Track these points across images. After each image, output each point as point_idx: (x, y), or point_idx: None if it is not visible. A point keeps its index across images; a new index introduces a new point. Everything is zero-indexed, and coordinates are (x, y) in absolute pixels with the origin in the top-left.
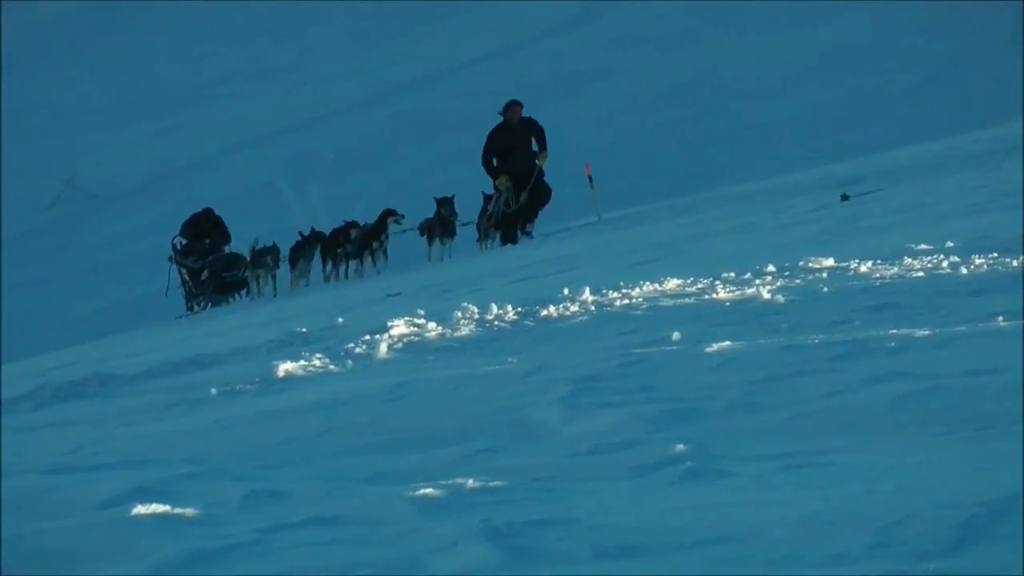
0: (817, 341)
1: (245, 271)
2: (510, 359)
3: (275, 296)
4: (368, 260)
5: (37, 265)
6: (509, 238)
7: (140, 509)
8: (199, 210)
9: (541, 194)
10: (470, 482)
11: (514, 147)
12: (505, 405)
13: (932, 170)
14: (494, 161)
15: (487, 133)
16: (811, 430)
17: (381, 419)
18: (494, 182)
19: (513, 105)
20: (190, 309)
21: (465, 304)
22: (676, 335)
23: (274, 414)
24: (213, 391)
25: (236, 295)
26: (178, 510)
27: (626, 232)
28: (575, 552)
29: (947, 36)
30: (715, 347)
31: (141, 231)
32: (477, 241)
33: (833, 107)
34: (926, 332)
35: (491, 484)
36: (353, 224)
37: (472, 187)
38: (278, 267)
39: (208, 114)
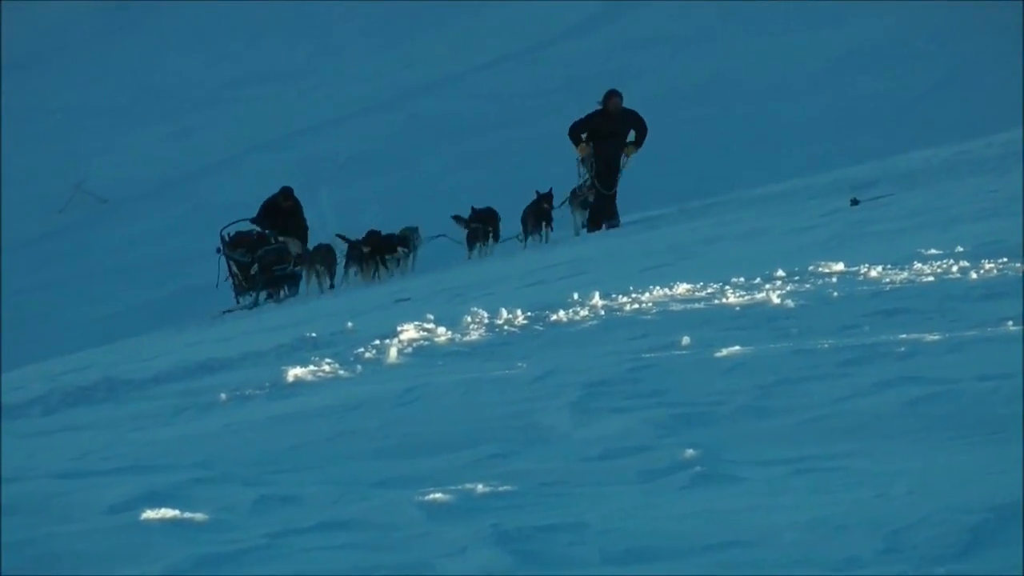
0: (827, 346)
1: (295, 265)
2: (520, 364)
3: (330, 290)
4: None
5: (49, 269)
6: (596, 225)
7: (150, 514)
8: (276, 191)
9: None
10: (480, 487)
11: (608, 134)
12: (515, 410)
13: (943, 174)
14: (583, 136)
15: (585, 114)
16: (821, 435)
17: (391, 424)
18: (577, 150)
19: (613, 95)
20: (239, 303)
21: (475, 308)
22: (686, 340)
23: (284, 419)
24: (223, 396)
25: (287, 289)
26: (188, 515)
27: (638, 236)
28: (585, 557)
29: (960, 40)
30: (725, 352)
31: (154, 235)
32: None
33: (846, 110)
34: (936, 337)
35: (501, 489)
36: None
37: (488, 190)
38: (335, 266)
39: (222, 117)
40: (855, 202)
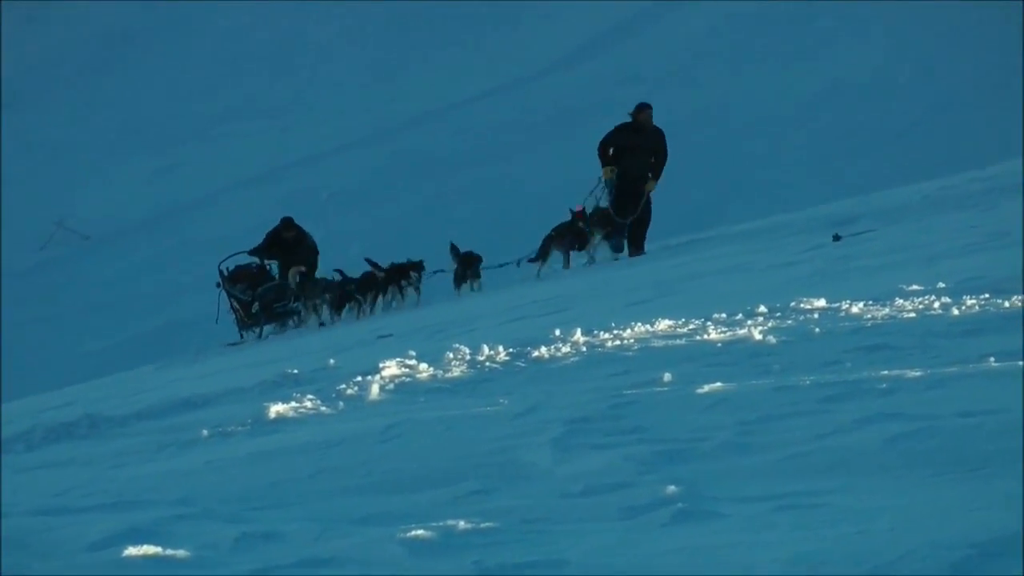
0: (809, 382)
1: (295, 301)
2: (501, 400)
3: (323, 325)
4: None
5: (32, 305)
6: (638, 248)
7: (132, 551)
8: (277, 223)
9: (645, 217)
10: (461, 523)
11: (633, 148)
12: (496, 446)
13: (926, 210)
14: (610, 152)
15: (611, 128)
16: (803, 471)
17: (372, 460)
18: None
19: (644, 108)
20: (243, 337)
21: (456, 345)
22: (667, 376)
23: (266, 455)
24: (204, 432)
25: (289, 322)
26: (170, 551)
27: (620, 272)
28: None
29: (942, 75)
30: (707, 388)
31: (137, 271)
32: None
33: (828, 146)
34: (918, 373)
35: (482, 525)
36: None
37: (473, 225)
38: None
39: (205, 152)
40: (837, 238)
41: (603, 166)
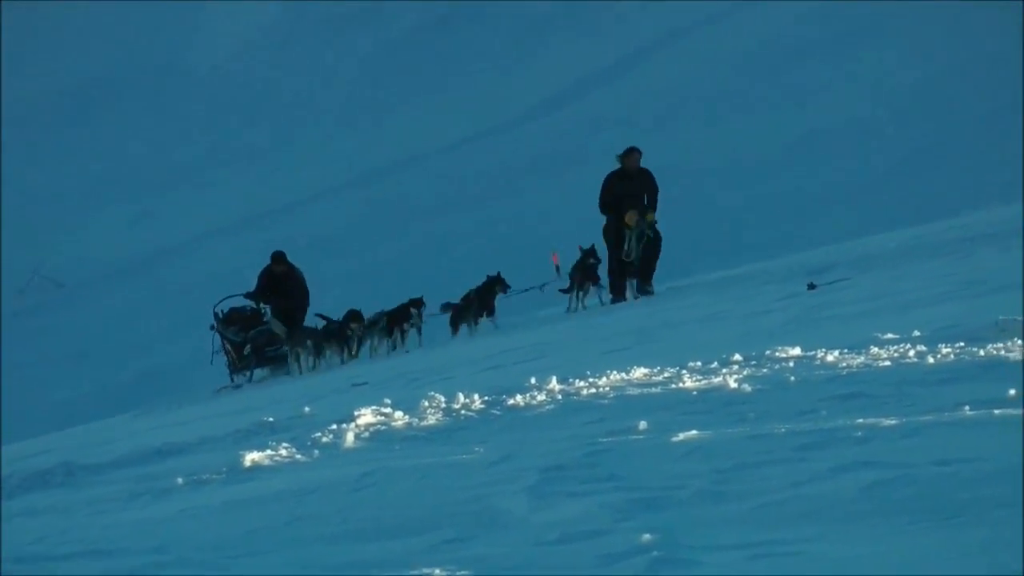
0: (784, 430)
1: (285, 347)
2: (477, 448)
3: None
4: (398, 338)
5: (9, 352)
6: (619, 293)
7: None
8: (271, 257)
9: (655, 249)
10: (437, 572)
11: (629, 195)
12: (472, 494)
13: (900, 259)
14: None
15: (603, 179)
16: (778, 519)
17: (348, 508)
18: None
19: (632, 151)
20: (233, 380)
21: (432, 393)
22: (643, 424)
23: (241, 503)
24: (180, 480)
25: (278, 368)
26: None
27: (596, 320)
28: None
29: (917, 123)
30: (682, 436)
31: (112, 318)
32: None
33: (805, 194)
34: (893, 421)
35: (458, 574)
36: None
37: (451, 272)
38: (315, 347)
39: (181, 200)
40: (812, 286)
41: (621, 219)
